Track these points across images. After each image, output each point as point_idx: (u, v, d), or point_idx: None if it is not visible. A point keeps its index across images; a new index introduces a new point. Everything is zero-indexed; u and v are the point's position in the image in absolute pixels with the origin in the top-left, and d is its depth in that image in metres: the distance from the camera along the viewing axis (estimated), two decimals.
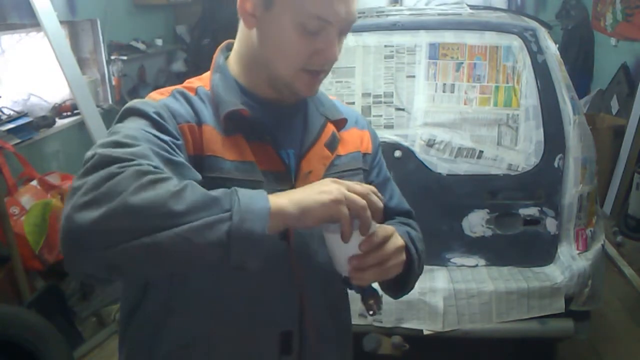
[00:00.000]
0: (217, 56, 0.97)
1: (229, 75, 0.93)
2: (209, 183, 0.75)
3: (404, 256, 0.85)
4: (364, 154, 1.04)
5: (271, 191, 0.76)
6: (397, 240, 0.84)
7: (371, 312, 0.84)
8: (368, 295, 0.84)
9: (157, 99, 0.86)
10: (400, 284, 0.96)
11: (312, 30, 0.82)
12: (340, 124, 1.00)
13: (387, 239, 0.82)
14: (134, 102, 0.84)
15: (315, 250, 0.92)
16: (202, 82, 0.93)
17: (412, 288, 1.00)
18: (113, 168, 0.67)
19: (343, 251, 0.80)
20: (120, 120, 0.82)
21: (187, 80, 0.95)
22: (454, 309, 1.95)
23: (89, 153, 0.71)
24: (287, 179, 0.90)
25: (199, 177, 0.78)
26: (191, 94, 0.89)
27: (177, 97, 0.87)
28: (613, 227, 3.48)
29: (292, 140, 0.94)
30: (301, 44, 0.83)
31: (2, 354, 2.10)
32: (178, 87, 0.91)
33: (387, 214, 1.02)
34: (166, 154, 0.76)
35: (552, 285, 1.95)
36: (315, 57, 0.85)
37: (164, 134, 0.79)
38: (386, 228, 0.83)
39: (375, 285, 0.87)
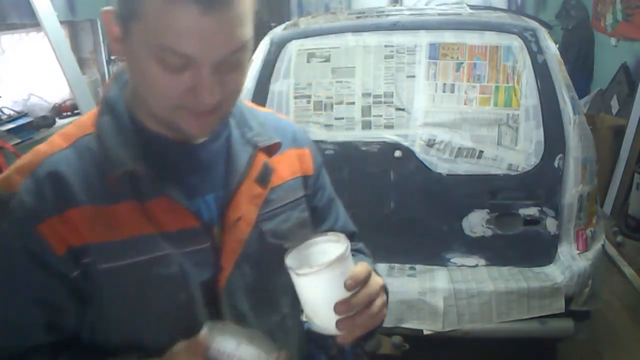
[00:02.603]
0: (108, 89, 0.79)
1: (122, 114, 0.76)
2: (102, 276, 0.70)
3: (384, 296, 0.76)
4: (305, 177, 0.90)
5: (189, 255, 0.73)
6: (376, 277, 0.74)
7: None
8: (355, 356, 0.75)
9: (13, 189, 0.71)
10: (371, 331, 0.76)
11: (174, 66, 0.66)
12: (273, 149, 0.84)
13: (369, 274, 0.72)
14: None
15: (248, 314, 0.80)
16: (83, 128, 0.76)
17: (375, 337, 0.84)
18: None
19: (325, 298, 0.68)
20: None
21: (63, 130, 0.78)
22: (454, 309, 1.95)
23: None
24: (205, 234, 0.76)
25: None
26: (56, 170, 0.71)
27: (30, 190, 0.70)
28: (613, 227, 3.48)
29: (212, 183, 0.79)
30: (166, 80, 0.67)
31: None
32: (42, 157, 0.73)
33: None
34: (46, 316, 0.70)
35: (552, 285, 1.95)
36: (189, 95, 0.68)
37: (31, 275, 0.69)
38: (362, 262, 0.73)
39: None
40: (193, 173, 0.78)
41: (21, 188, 0.70)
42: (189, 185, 0.77)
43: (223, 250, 0.77)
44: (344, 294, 0.68)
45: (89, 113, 0.79)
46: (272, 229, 0.82)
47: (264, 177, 0.82)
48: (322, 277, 0.67)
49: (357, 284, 0.69)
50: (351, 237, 0.95)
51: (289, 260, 0.71)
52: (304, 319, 0.78)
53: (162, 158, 0.76)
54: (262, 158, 0.83)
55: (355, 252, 0.94)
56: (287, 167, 0.88)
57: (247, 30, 0.69)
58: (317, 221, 0.93)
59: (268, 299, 0.83)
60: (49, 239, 0.69)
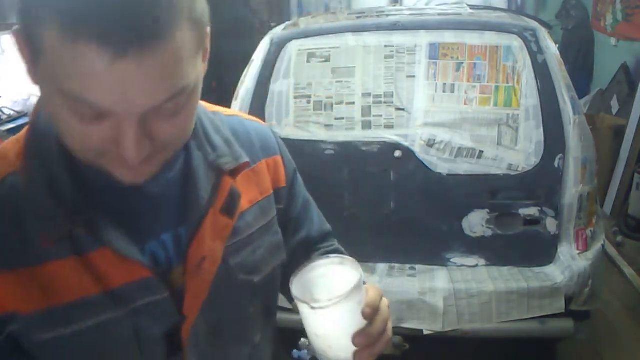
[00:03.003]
0: (35, 117, 0.65)
1: (56, 153, 0.61)
2: (39, 348, 0.60)
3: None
4: (278, 190, 0.80)
5: (143, 310, 0.62)
6: (379, 292, 0.69)
7: None
8: None
9: None
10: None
11: (89, 115, 0.53)
12: (241, 170, 0.73)
13: (381, 297, 0.68)
14: None
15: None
16: (5, 165, 0.63)
17: None
18: None
19: (342, 330, 0.64)
20: None
21: None
22: (454, 309, 1.95)
23: None
24: (161, 284, 0.64)
25: None
26: None
27: None
28: (613, 227, 3.48)
29: (168, 219, 0.67)
30: (81, 129, 0.54)
31: None
32: None
33: (311, 243, 0.88)
34: None
35: (552, 285, 1.95)
36: (112, 145, 0.55)
37: None
38: (372, 286, 0.69)
39: None
40: (143, 212, 0.66)
41: None
42: (139, 228, 0.65)
43: (186, 296, 0.66)
44: (361, 323, 0.64)
45: (15, 139, 0.66)
46: (241, 262, 0.72)
47: (231, 206, 0.70)
48: (340, 309, 0.62)
49: (374, 312, 0.65)
50: (327, 236, 0.93)
51: (297, 292, 0.65)
52: (315, 354, 0.69)
53: (105, 199, 0.63)
54: (228, 183, 0.70)
55: (332, 253, 0.89)
56: (257, 185, 0.76)
57: (189, 71, 0.55)
58: (294, 231, 0.86)
59: (238, 334, 0.75)
60: None
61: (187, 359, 0.68)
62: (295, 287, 0.66)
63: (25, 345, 0.61)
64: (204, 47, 0.59)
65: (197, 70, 0.57)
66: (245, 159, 0.73)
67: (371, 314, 0.65)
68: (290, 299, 0.68)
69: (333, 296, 0.62)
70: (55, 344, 0.60)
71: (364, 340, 0.64)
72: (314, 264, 0.70)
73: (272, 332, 0.85)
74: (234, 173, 0.71)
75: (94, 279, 0.61)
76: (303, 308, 0.63)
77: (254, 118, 0.86)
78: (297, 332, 0.93)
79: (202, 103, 0.72)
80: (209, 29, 0.60)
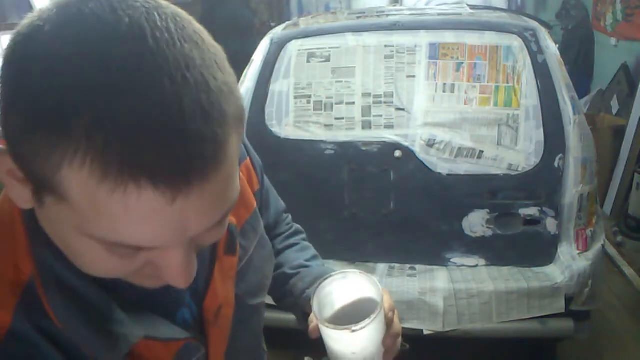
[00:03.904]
0: (39, 257, 0.51)
1: (68, 271, 0.51)
2: None
3: None
4: (255, 194, 0.78)
5: None
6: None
7: None
8: None
9: None
10: None
11: (128, 253, 0.46)
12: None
13: (387, 294, 0.71)
14: None
15: None
16: (14, 286, 0.51)
17: None
18: None
19: (377, 340, 0.68)
20: None
21: None
22: (454, 309, 1.95)
23: None
24: (198, 345, 0.62)
25: None
26: None
27: None
28: (613, 227, 3.48)
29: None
30: (111, 262, 0.46)
31: None
32: None
33: (269, 228, 0.86)
34: None
35: (552, 285, 1.95)
36: (148, 269, 0.49)
37: None
38: (384, 291, 0.72)
39: None
40: (166, 289, 0.56)
41: None
42: (168, 300, 0.61)
43: (210, 346, 0.64)
44: (385, 328, 0.68)
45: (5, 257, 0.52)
46: (247, 288, 0.71)
47: (232, 243, 0.66)
48: (375, 324, 0.65)
49: (394, 314, 0.68)
50: (281, 215, 0.91)
51: (330, 318, 0.67)
52: None
53: (132, 288, 0.54)
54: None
55: (292, 237, 0.91)
56: (242, 203, 0.70)
57: (234, 190, 0.49)
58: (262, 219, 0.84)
59: (252, 350, 0.78)
60: None
61: None
62: (323, 314, 0.68)
63: None
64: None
65: (238, 181, 0.50)
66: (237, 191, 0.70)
67: (392, 317, 0.68)
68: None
69: (368, 317, 0.65)
70: None
71: (392, 341, 0.67)
72: (321, 285, 0.72)
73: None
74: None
75: None
76: (341, 334, 0.65)
77: None
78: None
79: None
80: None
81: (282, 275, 0.86)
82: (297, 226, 0.95)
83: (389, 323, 0.68)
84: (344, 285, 0.73)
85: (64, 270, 0.51)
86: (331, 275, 0.73)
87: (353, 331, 0.64)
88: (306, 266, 0.87)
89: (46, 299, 0.51)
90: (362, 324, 0.64)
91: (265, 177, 0.84)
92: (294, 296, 0.83)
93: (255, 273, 0.73)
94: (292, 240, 0.91)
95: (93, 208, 0.42)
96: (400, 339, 0.72)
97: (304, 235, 0.95)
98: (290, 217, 0.94)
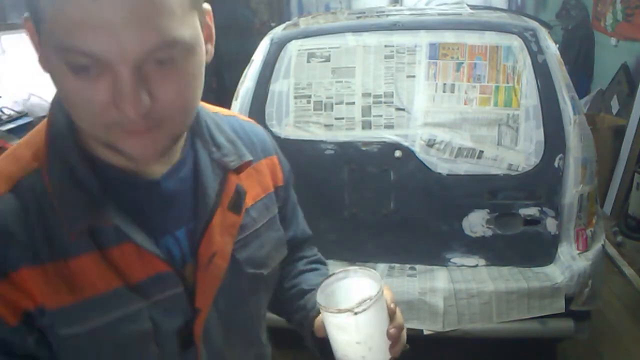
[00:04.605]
0: (51, 119, 0.67)
1: (73, 151, 0.64)
2: (63, 342, 0.61)
3: None
4: (277, 189, 0.84)
5: (160, 304, 0.65)
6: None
7: None
8: None
9: None
10: None
11: (86, 69, 0.54)
12: (244, 167, 0.75)
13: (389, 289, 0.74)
14: None
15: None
16: (23, 164, 0.64)
17: None
18: None
19: (381, 328, 0.69)
20: None
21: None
22: (454, 309, 1.95)
23: None
24: (177, 278, 0.67)
25: None
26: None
27: None
28: (613, 227, 3.48)
29: (181, 216, 0.70)
30: (82, 90, 0.55)
31: None
32: None
33: (295, 244, 0.92)
34: None
35: (552, 285, 1.95)
36: (113, 109, 0.56)
37: None
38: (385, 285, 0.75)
39: None
40: (160, 208, 0.68)
41: None
42: (155, 223, 0.67)
43: (197, 291, 0.69)
44: (388, 319, 0.69)
45: (26, 143, 0.67)
46: (248, 257, 0.75)
47: (238, 203, 0.73)
48: (377, 309, 0.67)
49: (396, 306, 0.70)
50: (308, 240, 0.96)
51: (327, 303, 0.70)
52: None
53: (123, 196, 0.65)
54: (233, 181, 0.73)
55: (315, 263, 0.94)
56: (259, 183, 0.80)
57: (179, 24, 0.55)
58: (284, 230, 0.88)
59: (247, 332, 0.78)
60: None
61: (200, 354, 0.70)
62: (323, 301, 0.70)
63: (50, 340, 0.62)
64: (201, 12, 0.61)
65: (191, 29, 0.58)
66: (249, 157, 0.75)
67: (394, 308, 0.70)
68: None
69: (368, 298, 0.66)
70: (78, 339, 0.62)
71: (397, 332, 0.69)
72: (323, 284, 0.74)
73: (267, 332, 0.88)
74: (238, 171, 0.74)
75: (116, 273, 0.63)
76: (343, 318, 0.67)
77: (248, 119, 0.88)
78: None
79: (202, 103, 0.74)
80: (207, 7, 0.63)
81: (299, 291, 0.88)
82: (322, 258, 0.98)
83: (391, 314, 0.70)
84: (347, 284, 0.74)
85: (70, 154, 0.63)
86: (335, 274, 0.75)
87: (355, 313, 0.65)
88: None
89: (47, 168, 0.63)
90: (364, 305, 0.65)
91: (294, 195, 0.91)
92: (306, 309, 0.84)
93: (259, 247, 0.77)
94: (314, 266, 0.94)
95: (52, 20, 0.53)
96: (405, 333, 0.73)
97: (326, 267, 0.97)
98: (316, 249, 0.98)
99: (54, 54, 0.55)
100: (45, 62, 0.58)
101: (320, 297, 0.71)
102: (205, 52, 0.63)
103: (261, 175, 0.81)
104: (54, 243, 0.61)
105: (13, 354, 0.60)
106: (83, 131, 0.63)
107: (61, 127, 0.65)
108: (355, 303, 0.67)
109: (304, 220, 0.96)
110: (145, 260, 0.64)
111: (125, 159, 0.62)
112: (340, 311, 0.67)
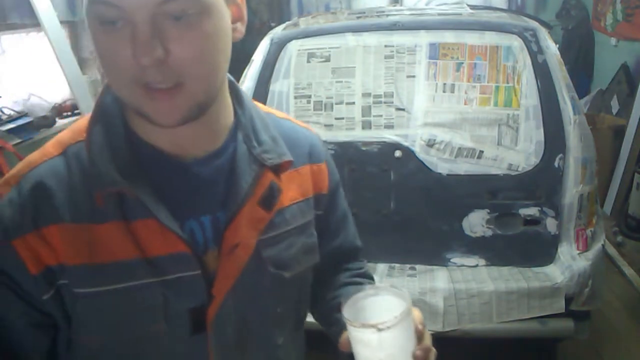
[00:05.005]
0: (103, 93, 0.72)
1: (115, 123, 0.69)
2: (77, 301, 0.65)
3: None
4: (319, 195, 0.83)
5: (175, 283, 0.66)
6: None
7: None
8: None
9: None
10: None
11: (110, 19, 0.59)
12: (284, 167, 0.75)
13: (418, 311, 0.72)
14: None
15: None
16: (77, 134, 0.70)
17: None
18: None
19: (406, 348, 0.67)
20: None
21: (58, 135, 0.72)
22: (454, 309, 1.95)
23: None
24: (196, 261, 0.68)
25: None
26: (41, 182, 0.65)
27: (11, 201, 0.65)
28: (613, 227, 3.48)
29: (210, 203, 0.71)
30: (107, 44, 0.60)
31: None
32: (30, 167, 0.67)
33: (342, 254, 0.92)
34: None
35: (552, 285, 1.95)
36: (133, 61, 0.59)
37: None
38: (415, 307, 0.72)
39: None
40: (189, 192, 0.70)
41: (3, 200, 0.65)
42: (182, 205, 0.69)
43: (216, 277, 0.70)
44: (415, 340, 0.68)
45: (86, 116, 0.72)
46: (273, 256, 0.75)
47: (270, 200, 0.73)
48: (403, 327, 0.65)
49: (424, 327, 0.69)
50: (357, 251, 0.95)
51: (353, 317, 0.68)
52: None
53: (155, 175, 0.68)
54: (269, 177, 0.73)
55: (359, 277, 0.91)
56: (299, 186, 0.79)
57: None
58: (328, 238, 0.88)
59: (260, 330, 0.77)
60: (24, 256, 0.63)
61: (209, 341, 0.71)
62: (350, 316, 0.68)
63: (66, 300, 0.66)
64: None
65: None
66: (289, 157, 0.75)
67: (423, 329, 0.68)
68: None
69: (393, 316, 0.64)
70: (91, 300, 0.65)
71: (423, 354, 0.67)
72: (351, 300, 0.71)
73: (299, 340, 0.87)
74: (277, 169, 0.74)
75: (135, 245, 0.66)
76: (367, 333, 0.65)
77: (305, 124, 0.90)
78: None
79: (257, 104, 0.80)
80: None
81: (338, 304, 0.83)
82: (368, 272, 0.96)
83: (419, 335, 0.68)
84: (377, 300, 0.72)
85: (112, 125, 0.69)
86: (365, 289, 0.73)
87: (379, 329, 0.64)
88: None
89: (89, 135, 0.68)
90: (389, 322, 0.64)
91: (345, 206, 0.92)
92: (342, 323, 0.80)
93: (286, 249, 0.77)
94: (358, 279, 0.91)
95: None
96: (433, 356, 0.71)
97: (372, 282, 0.94)
98: (366, 262, 0.97)
99: (87, 11, 0.60)
100: (87, 24, 0.62)
101: (347, 311, 0.69)
102: (228, 22, 0.65)
103: (303, 179, 0.81)
104: (85, 207, 0.65)
105: (30, 304, 0.64)
106: (127, 107, 0.68)
107: (109, 101, 0.70)
108: (381, 320, 0.65)
109: (355, 232, 0.95)
110: (166, 237, 0.66)
111: (158, 135, 0.67)
112: (364, 326, 0.65)
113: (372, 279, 0.96)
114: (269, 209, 0.73)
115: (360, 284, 0.91)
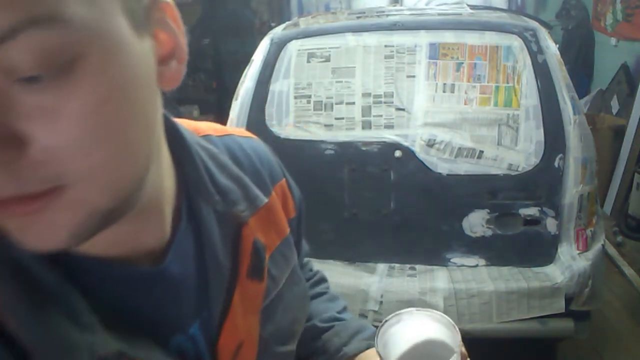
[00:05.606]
0: None
1: (23, 257, 0.40)
2: None
3: None
4: (290, 221, 0.64)
5: None
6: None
7: None
8: None
9: None
10: None
11: None
12: (259, 212, 0.58)
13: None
14: None
15: None
16: None
17: None
18: None
19: None
20: None
21: None
22: (454, 309, 1.95)
23: None
24: None
25: None
26: None
27: None
28: (613, 227, 3.48)
29: (189, 306, 0.50)
30: None
31: None
32: None
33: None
34: None
35: (552, 285, 1.95)
36: None
37: None
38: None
39: None
40: (165, 301, 0.48)
41: None
42: (161, 320, 0.48)
43: None
44: None
45: None
46: (274, 331, 0.58)
47: (258, 265, 0.55)
48: None
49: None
50: (305, 258, 0.78)
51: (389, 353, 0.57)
52: None
53: (110, 300, 0.44)
54: (249, 236, 0.55)
55: (318, 285, 0.79)
56: (273, 225, 0.60)
57: None
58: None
59: None
60: None
61: None
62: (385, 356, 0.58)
63: None
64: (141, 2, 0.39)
65: (96, 10, 0.34)
66: (263, 199, 0.58)
67: None
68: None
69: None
70: None
71: None
72: (382, 329, 0.61)
73: None
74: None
75: None
76: None
77: (244, 132, 0.69)
78: None
79: (183, 121, 0.55)
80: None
81: (312, 328, 0.72)
82: (321, 273, 0.82)
83: None
84: (410, 326, 0.62)
85: (20, 251, 0.38)
86: (398, 314, 0.61)
87: None
88: (340, 319, 0.74)
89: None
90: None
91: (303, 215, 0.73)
92: (328, 353, 0.70)
93: (286, 313, 0.60)
94: (318, 289, 0.79)
95: None
96: None
97: (328, 284, 0.82)
98: (311, 262, 0.81)
99: None
100: None
101: (380, 344, 0.59)
102: (149, 63, 0.40)
103: (274, 214, 0.61)
104: None
105: None
106: None
107: None
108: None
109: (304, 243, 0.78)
110: None
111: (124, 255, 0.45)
112: None
113: (326, 280, 0.82)
114: (261, 277, 0.55)
115: (324, 293, 0.79)
